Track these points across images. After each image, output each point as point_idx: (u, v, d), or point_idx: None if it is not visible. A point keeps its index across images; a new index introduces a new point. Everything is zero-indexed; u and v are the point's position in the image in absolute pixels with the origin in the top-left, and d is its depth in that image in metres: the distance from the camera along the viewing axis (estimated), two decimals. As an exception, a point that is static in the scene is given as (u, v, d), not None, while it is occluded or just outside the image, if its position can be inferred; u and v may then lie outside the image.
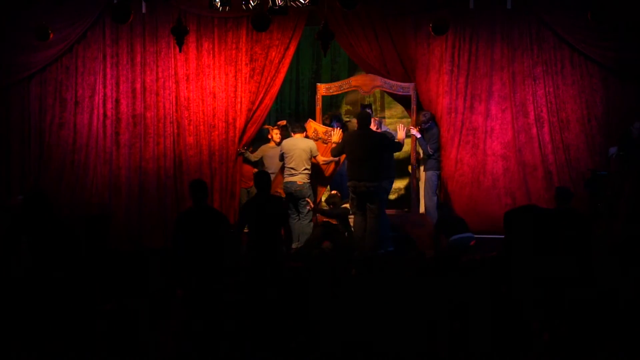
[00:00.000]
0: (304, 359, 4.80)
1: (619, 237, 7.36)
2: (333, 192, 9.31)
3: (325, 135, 9.59)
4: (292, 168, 9.11)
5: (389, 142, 8.84)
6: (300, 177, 9.09)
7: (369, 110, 9.88)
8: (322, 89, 9.90)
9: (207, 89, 9.97)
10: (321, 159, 9.33)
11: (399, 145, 8.90)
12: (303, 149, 9.13)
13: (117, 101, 9.98)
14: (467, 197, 9.59)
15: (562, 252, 5.76)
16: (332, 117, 10.45)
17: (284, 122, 10.29)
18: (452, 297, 5.11)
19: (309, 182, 9.15)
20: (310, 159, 9.18)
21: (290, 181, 9.12)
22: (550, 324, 4.80)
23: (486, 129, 9.55)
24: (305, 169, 9.11)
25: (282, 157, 9.28)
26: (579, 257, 6.01)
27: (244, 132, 9.91)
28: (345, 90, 10.10)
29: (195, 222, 6.34)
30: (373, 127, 9.05)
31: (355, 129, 9.02)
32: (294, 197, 9.12)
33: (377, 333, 4.90)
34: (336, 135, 9.32)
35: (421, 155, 9.85)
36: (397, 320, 4.99)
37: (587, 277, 5.42)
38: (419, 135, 9.51)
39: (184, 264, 6.29)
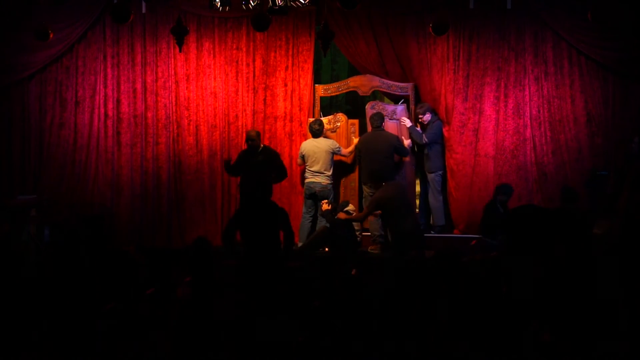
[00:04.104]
0: (305, 357, 4.81)
1: (618, 237, 7.36)
2: (324, 207, 8.98)
3: (330, 124, 9.67)
4: (315, 171, 9.19)
5: (400, 145, 9.24)
6: (325, 178, 9.19)
7: (401, 106, 9.88)
8: (320, 89, 9.93)
9: (207, 89, 9.98)
10: (345, 151, 9.46)
11: (407, 151, 9.34)
12: (327, 150, 9.22)
13: (119, 101, 10.00)
14: (467, 197, 9.59)
15: (562, 252, 5.77)
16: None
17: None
18: (452, 297, 5.11)
19: (332, 183, 9.28)
20: (333, 157, 9.28)
21: (314, 181, 9.19)
22: (550, 324, 4.80)
23: (484, 129, 9.54)
24: (329, 169, 9.23)
25: (302, 159, 9.34)
26: (578, 257, 6.01)
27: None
28: (344, 91, 10.11)
29: (257, 216, 6.52)
30: (408, 123, 9.49)
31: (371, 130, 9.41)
32: (316, 197, 9.20)
33: (377, 333, 4.91)
34: (341, 121, 9.70)
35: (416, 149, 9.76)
36: (397, 319, 4.99)
37: (586, 277, 5.42)
38: (409, 124, 9.50)
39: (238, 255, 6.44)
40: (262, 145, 9.28)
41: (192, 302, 5.46)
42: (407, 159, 9.50)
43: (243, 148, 9.92)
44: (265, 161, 9.06)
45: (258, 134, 9.30)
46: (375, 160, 9.04)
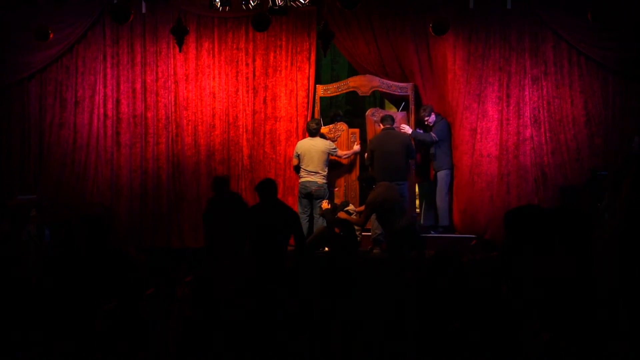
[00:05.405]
0: (306, 358, 4.81)
1: (618, 237, 7.36)
2: (324, 205, 8.95)
3: (331, 133, 9.65)
4: (311, 170, 9.19)
5: (411, 145, 9.24)
6: (320, 177, 9.19)
7: (401, 113, 9.84)
8: (320, 90, 9.93)
9: (206, 89, 9.99)
10: (341, 152, 9.48)
11: (415, 152, 9.34)
12: (323, 150, 9.23)
13: (118, 101, 10.01)
14: (464, 197, 9.58)
15: (562, 252, 5.76)
16: (334, 116, 10.47)
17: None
18: (452, 297, 5.11)
19: (327, 182, 9.28)
20: (328, 158, 9.27)
21: (310, 180, 9.18)
22: (550, 324, 4.79)
23: (483, 130, 9.53)
24: (325, 169, 9.23)
25: (297, 158, 9.33)
26: (578, 257, 6.01)
27: (253, 133, 9.94)
28: (344, 92, 10.11)
29: (266, 216, 6.52)
30: (408, 130, 9.43)
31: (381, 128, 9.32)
32: (311, 196, 9.20)
33: (377, 333, 4.91)
34: (341, 131, 9.63)
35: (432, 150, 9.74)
36: (397, 319, 4.99)
37: (586, 277, 5.41)
38: (410, 131, 9.47)
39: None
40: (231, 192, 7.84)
41: (194, 300, 5.47)
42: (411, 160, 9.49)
43: (243, 149, 9.93)
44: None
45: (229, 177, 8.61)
46: (390, 160, 9.00)
